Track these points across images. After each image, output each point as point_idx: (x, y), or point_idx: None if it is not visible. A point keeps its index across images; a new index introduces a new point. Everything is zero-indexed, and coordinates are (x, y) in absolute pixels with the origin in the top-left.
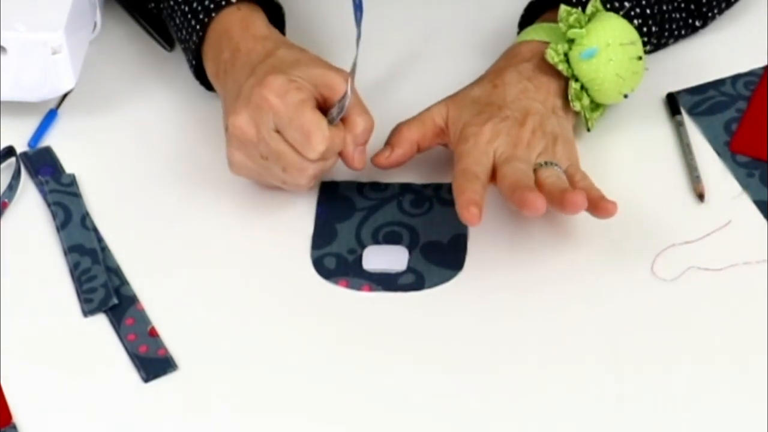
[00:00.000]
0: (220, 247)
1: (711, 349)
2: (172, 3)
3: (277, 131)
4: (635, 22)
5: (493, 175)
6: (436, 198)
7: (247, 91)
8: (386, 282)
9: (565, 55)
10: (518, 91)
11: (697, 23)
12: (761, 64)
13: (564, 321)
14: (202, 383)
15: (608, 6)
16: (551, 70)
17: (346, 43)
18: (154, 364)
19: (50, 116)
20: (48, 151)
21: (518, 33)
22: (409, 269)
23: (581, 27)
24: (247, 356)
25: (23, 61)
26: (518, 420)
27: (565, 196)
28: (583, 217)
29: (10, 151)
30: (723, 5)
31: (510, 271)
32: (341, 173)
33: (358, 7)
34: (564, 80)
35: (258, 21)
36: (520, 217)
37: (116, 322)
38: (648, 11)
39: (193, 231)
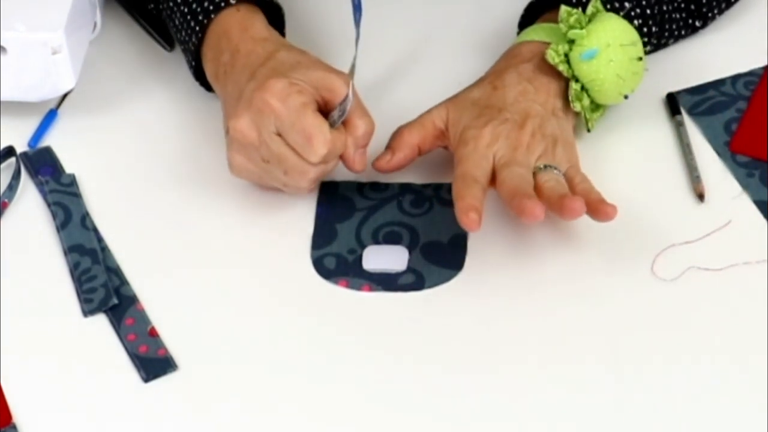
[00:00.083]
0: (220, 247)
1: (711, 349)
2: (171, 4)
3: (279, 134)
4: (635, 22)
5: (493, 178)
6: (436, 198)
7: (248, 94)
8: (386, 282)
9: (566, 55)
10: (518, 93)
11: (697, 23)
12: (761, 64)
13: (564, 321)
14: (202, 383)
15: (608, 6)
16: (551, 71)
17: (346, 44)
18: (154, 364)
19: (50, 116)
20: (48, 151)
21: (518, 33)
22: (409, 269)
23: (582, 28)
24: (247, 356)
25: (23, 61)
26: (518, 420)
27: (563, 202)
28: (584, 217)
29: (10, 151)
30: (723, 5)
31: (510, 271)
32: (341, 173)
33: (357, 8)
34: (564, 81)
35: (257, 22)
36: None
37: (116, 322)
38: (648, 12)
39: (193, 231)
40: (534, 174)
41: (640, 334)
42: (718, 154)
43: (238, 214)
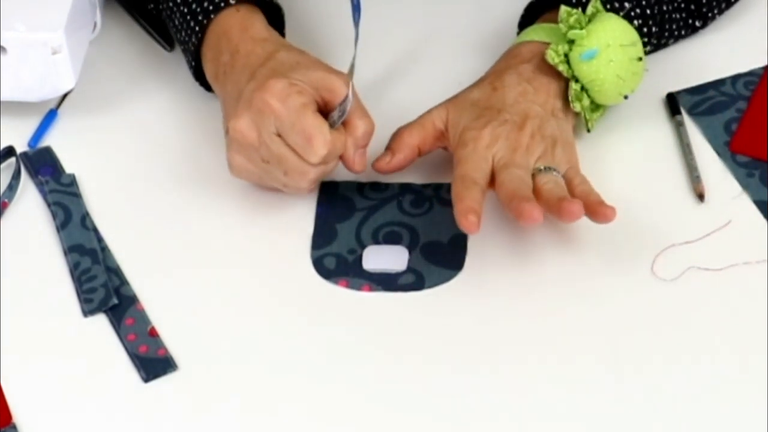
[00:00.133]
0: (220, 247)
1: (711, 349)
2: (171, 4)
3: (279, 135)
4: (635, 22)
5: (493, 179)
6: (436, 198)
7: (248, 94)
8: (386, 282)
9: (566, 55)
10: (517, 94)
11: (697, 23)
12: (761, 64)
13: (564, 321)
14: (202, 383)
15: (608, 7)
16: (551, 71)
17: (346, 44)
18: (154, 364)
19: (50, 116)
20: (48, 151)
21: (518, 33)
22: (409, 269)
23: (581, 28)
24: (247, 356)
25: (23, 61)
26: (518, 420)
27: (562, 205)
28: (584, 217)
29: (10, 151)
30: (723, 5)
31: (510, 271)
32: (341, 173)
33: (356, 8)
34: (564, 81)
35: (257, 22)
36: None
37: (116, 322)
38: (648, 12)
39: (193, 231)
40: (533, 176)
41: (640, 334)
42: (718, 154)
43: (238, 214)
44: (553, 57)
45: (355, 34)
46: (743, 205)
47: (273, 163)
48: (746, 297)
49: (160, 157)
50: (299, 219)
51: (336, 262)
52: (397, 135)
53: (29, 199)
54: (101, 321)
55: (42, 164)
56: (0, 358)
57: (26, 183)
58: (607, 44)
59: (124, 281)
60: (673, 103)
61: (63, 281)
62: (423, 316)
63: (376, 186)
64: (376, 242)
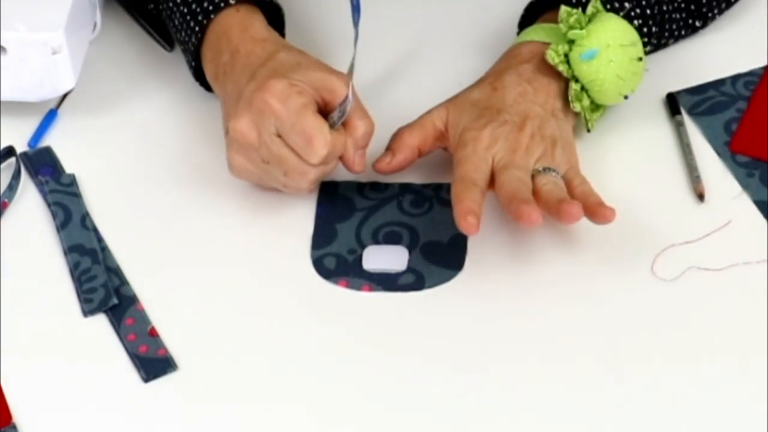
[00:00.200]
0: (220, 247)
1: (711, 349)
2: (171, 4)
3: (279, 135)
4: (635, 22)
5: (493, 180)
6: (436, 198)
7: (248, 95)
8: (386, 282)
9: (566, 56)
10: (517, 95)
11: (697, 23)
12: (761, 64)
13: (564, 321)
14: (202, 383)
15: (608, 7)
16: (551, 72)
17: (345, 44)
18: (154, 364)
19: (50, 116)
20: (48, 151)
21: (518, 33)
22: (409, 269)
23: (581, 28)
24: (247, 356)
25: (23, 61)
26: (518, 420)
27: (561, 207)
28: (583, 218)
29: (10, 151)
30: (723, 5)
31: (510, 271)
32: (341, 173)
33: (355, 9)
34: (564, 81)
35: (257, 23)
36: None
37: (116, 322)
38: (648, 12)
39: (193, 231)
40: (533, 177)
41: (640, 334)
42: (718, 154)
43: (238, 214)
44: (553, 57)
45: (355, 34)
46: (743, 205)
47: (273, 163)
48: (746, 297)
49: (160, 157)
50: (299, 219)
51: (336, 262)
52: (397, 135)
53: (29, 199)
54: (101, 321)
55: (42, 164)
56: (0, 358)
57: (26, 183)
58: (607, 44)
59: (124, 281)
60: (673, 103)
61: (63, 281)
62: (423, 316)
63: (376, 186)
64: (376, 242)
